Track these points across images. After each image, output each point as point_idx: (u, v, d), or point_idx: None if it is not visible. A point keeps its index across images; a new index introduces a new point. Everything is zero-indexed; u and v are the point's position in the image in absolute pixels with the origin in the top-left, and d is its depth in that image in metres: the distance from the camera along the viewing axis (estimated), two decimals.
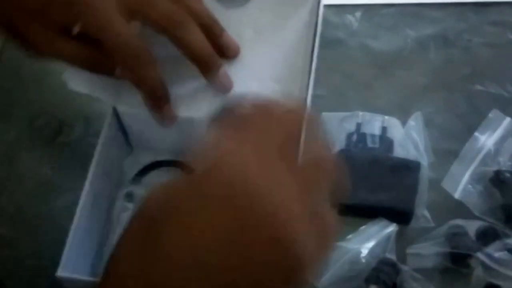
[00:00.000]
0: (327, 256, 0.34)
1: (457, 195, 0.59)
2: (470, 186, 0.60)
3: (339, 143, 0.63)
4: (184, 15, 0.50)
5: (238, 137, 0.34)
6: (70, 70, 0.53)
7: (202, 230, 0.30)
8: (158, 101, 0.52)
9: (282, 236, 0.30)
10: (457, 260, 0.56)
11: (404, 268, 0.56)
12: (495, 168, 0.60)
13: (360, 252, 0.56)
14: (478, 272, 0.55)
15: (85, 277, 0.51)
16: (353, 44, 0.70)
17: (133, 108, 0.54)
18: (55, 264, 0.49)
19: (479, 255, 0.55)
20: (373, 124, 0.64)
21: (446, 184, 0.60)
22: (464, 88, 0.67)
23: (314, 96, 0.54)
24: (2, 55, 0.71)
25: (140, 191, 0.57)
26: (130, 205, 0.56)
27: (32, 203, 0.63)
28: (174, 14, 0.50)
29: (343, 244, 0.57)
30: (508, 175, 0.59)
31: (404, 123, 0.64)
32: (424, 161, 0.61)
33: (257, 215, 0.30)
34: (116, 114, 0.56)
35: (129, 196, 0.57)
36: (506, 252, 0.55)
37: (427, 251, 0.57)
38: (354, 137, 0.63)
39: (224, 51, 0.54)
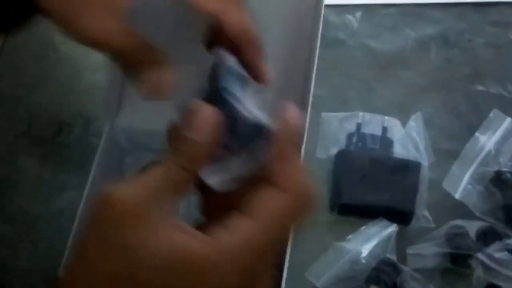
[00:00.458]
0: None
1: (457, 195, 0.59)
2: (470, 186, 0.60)
3: (339, 143, 0.63)
4: None
5: None
6: None
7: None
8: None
9: None
10: (458, 261, 0.56)
11: (405, 268, 0.56)
12: (495, 168, 0.60)
13: (361, 252, 0.56)
14: (478, 272, 0.55)
15: None
16: (353, 44, 0.70)
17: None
18: (55, 264, 0.49)
19: (480, 255, 0.55)
20: (373, 124, 0.64)
21: (446, 185, 0.60)
22: (464, 88, 0.67)
23: (314, 96, 0.54)
24: (2, 55, 0.71)
25: None
26: None
27: (32, 203, 0.62)
28: None
29: (343, 244, 0.57)
30: (508, 175, 0.59)
31: (404, 123, 0.64)
32: (425, 161, 0.61)
33: None
34: (116, 115, 0.56)
35: None
36: (506, 253, 0.55)
37: (428, 252, 0.57)
38: (354, 137, 0.63)
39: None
